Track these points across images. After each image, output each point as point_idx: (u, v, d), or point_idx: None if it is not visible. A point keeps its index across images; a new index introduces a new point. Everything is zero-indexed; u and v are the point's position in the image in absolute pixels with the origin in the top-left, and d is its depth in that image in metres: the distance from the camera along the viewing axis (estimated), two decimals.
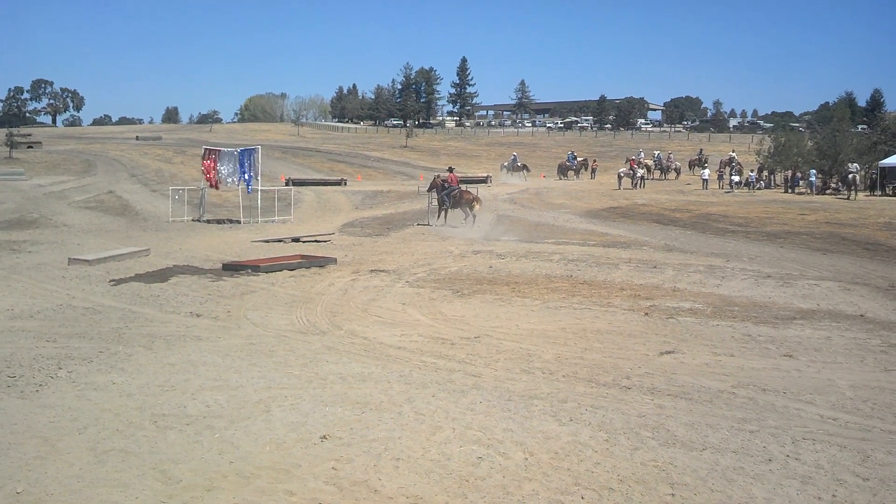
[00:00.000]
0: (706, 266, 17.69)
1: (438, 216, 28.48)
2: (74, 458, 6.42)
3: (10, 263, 17.91)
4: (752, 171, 43.85)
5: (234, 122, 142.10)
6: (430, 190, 29.62)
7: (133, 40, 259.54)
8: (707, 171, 44.46)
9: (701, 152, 55.77)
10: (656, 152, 55.86)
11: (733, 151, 52.08)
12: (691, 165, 53.84)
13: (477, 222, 27.69)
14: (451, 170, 30.96)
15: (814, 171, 41.19)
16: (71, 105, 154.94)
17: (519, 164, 54.03)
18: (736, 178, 43.31)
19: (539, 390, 8.33)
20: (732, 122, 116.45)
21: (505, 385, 8.54)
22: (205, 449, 6.65)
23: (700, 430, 7.15)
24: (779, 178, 44.73)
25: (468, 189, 29.94)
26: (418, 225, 28.17)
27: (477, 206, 28.38)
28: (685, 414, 7.59)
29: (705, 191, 41.71)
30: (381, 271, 17.18)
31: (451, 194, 28.45)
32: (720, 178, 44.89)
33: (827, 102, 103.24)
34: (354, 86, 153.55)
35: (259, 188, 31.51)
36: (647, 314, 12.51)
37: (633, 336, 11.02)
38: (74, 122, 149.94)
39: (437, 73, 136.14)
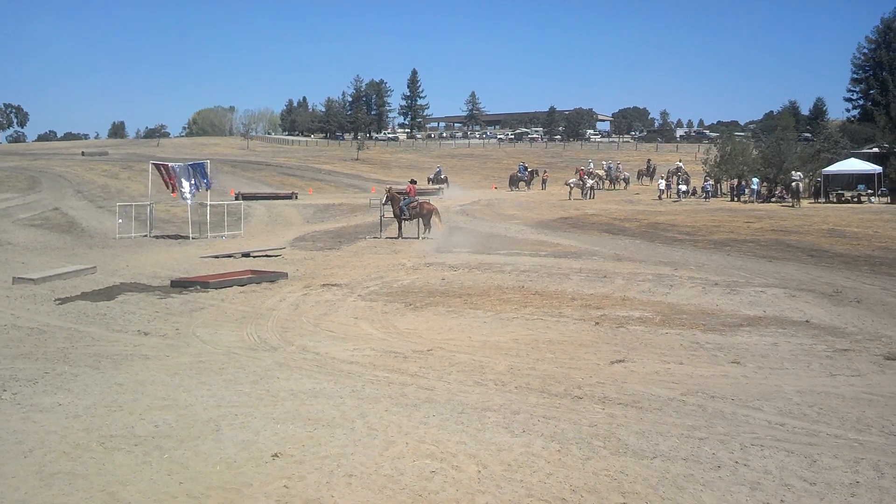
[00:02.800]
0: (655, 275, 17.92)
1: (400, 229, 28.47)
2: (20, 482, 6.26)
3: None
4: (706, 180, 44.54)
5: (183, 137, 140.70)
6: (385, 203, 29.49)
7: (78, 54, 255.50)
8: (664, 181, 44.81)
9: (649, 162, 56.73)
10: (605, 162, 56.54)
11: (680, 161, 52.97)
12: (640, 175, 54.74)
13: (430, 234, 27.74)
14: (413, 182, 31.03)
15: (756, 178, 42.06)
16: (15, 121, 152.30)
17: (442, 176, 54.90)
18: (683, 188, 43.99)
19: (492, 402, 8.35)
20: (679, 132, 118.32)
21: (458, 398, 8.54)
22: (154, 470, 6.53)
23: (650, 438, 7.22)
24: (725, 186, 45.59)
25: (428, 200, 29.99)
26: (371, 238, 28.09)
27: (437, 219, 28.45)
28: (636, 422, 7.67)
29: (660, 201, 42.07)
30: (332, 285, 17.09)
31: (409, 206, 28.46)
32: (668, 187, 45.56)
33: (772, 111, 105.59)
34: (304, 99, 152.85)
35: (208, 203, 31.15)
36: (597, 324, 12.63)
37: (584, 346, 11.11)
38: (18, 139, 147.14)
39: (387, 85, 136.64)
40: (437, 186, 50.71)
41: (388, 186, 32.05)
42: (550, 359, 10.36)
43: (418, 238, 27.46)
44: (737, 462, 6.60)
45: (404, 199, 28.71)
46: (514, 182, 54.22)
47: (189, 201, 30.73)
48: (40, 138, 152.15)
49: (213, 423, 7.72)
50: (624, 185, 52.36)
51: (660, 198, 42.98)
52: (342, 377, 9.48)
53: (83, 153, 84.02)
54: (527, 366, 9.96)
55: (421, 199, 30.14)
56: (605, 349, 10.87)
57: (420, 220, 28.36)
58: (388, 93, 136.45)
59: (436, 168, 58.38)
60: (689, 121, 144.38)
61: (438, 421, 7.73)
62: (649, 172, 54.39)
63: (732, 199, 42.10)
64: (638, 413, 7.97)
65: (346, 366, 10.09)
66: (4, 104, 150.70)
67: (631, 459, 6.67)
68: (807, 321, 12.77)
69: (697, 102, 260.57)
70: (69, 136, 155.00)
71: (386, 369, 9.86)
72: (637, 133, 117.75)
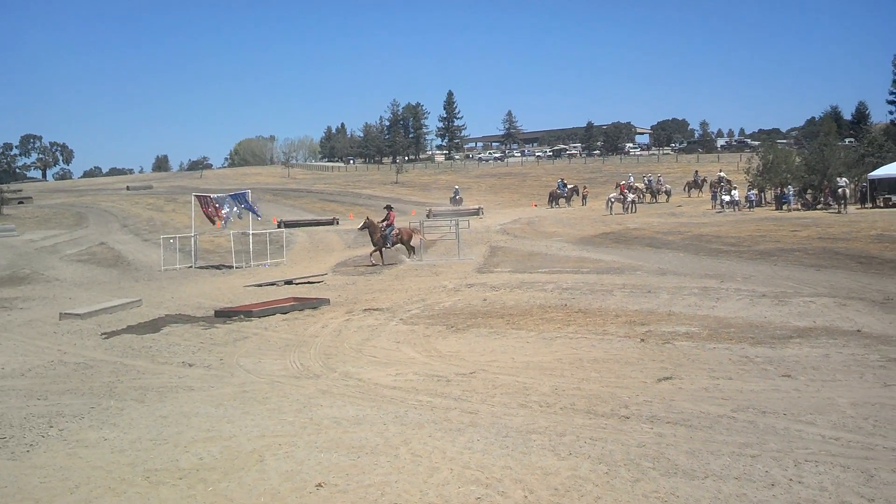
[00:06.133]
0: (700, 288, 17.63)
1: (379, 255, 28.07)
2: None
3: (1, 322, 17.76)
4: (750, 190, 43.73)
5: (225, 167, 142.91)
6: (361, 229, 29.38)
7: (120, 90, 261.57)
8: (736, 192, 43.26)
9: (696, 174, 55.97)
10: (646, 176, 56.09)
11: (721, 171, 52.30)
12: (688, 187, 53.93)
13: (471, 255, 27.70)
14: (389, 208, 30.58)
15: (791, 186, 41.45)
16: (60, 159, 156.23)
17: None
18: (726, 198, 43.34)
19: (537, 424, 8.21)
20: (720, 142, 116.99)
21: (502, 420, 8.41)
22: (198, 503, 6.51)
23: (701, 457, 7.03)
24: (769, 195, 44.85)
25: (405, 227, 29.92)
26: (412, 260, 28.02)
27: (417, 240, 28.68)
28: (685, 441, 7.48)
29: (734, 212, 40.73)
30: (374, 310, 17.08)
31: (391, 233, 28.37)
32: (713, 198, 44.92)
33: (813, 117, 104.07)
34: (343, 125, 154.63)
35: (251, 231, 31.49)
36: (643, 340, 12.42)
37: (629, 363, 10.92)
38: (65, 176, 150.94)
39: (424, 107, 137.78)
40: (476, 206, 50.72)
41: (367, 216, 31.40)
42: (596, 378, 10.19)
43: (405, 261, 27.51)
44: (791, 479, 6.39)
45: (386, 227, 28.45)
46: (553, 199, 53.99)
47: (227, 225, 31.31)
48: (86, 174, 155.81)
49: (257, 453, 7.69)
50: (666, 197, 51.79)
51: (734, 209, 41.72)
52: (385, 403, 9.42)
53: (128, 188, 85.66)
54: (572, 386, 9.81)
55: (399, 225, 29.86)
56: (651, 366, 10.67)
57: (403, 246, 28.57)
58: (425, 115, 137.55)
59: (454, 188, 59.26)
60: (730, 130, 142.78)
61: (483, 445, 7.62)
62: (698, 184, 53.58)
63: (777, 208, 41.38)
64: (687, 432, 7.78)
65: (388, 391, 10.02)
66: (50, 142, 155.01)
67: (681, 480, 6.50)
68: (858, 330, 12.43)
69: (737, 111, 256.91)
70: (114, 172, 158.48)
71: (429, 394, 9.77)
72: (677, 145, 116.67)
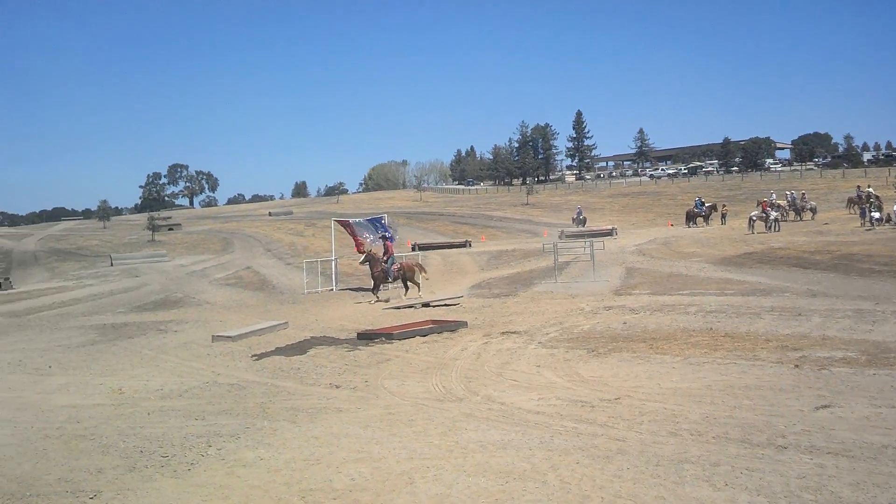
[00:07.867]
0: (854, 310, 16.76)
1: (377, 289, 27.36)
2: None
3: (158, 343, 18.76)
4: None
5: (360, 192, 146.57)
6: (363, 262, 28.27)
7: (261, 119, 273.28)
8: None
9: (859, 189, 53.06)
10: (789, 192, 53.87)
11: (869, 186, 49.49)
12: (850, 203, 51.07)
13: (607, 276, 27.29)
14: (386, 238, 29.62)
15: None
16: (206, 186, 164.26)
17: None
18: (876, 215, 40.97)
19: (689, 453, 7.99)
20: (866, 156, 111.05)
21: (651, 449, 8.23)
22: None
23: (867, 489, 6.67)
24: None
25: (407, 262, 29.04)
26: (547, 282, 27.87)
27: (423, 275, 27.64)
28: (848, 473, 7.12)
29: (885, 230, 38.47)
30: (512, 333, 17.07)
31: (392, 267, 27.60)
32: (861, 215, 42.56)
33: None
34: (472, 148, 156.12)
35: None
36: (797, 366, 11.90)
37: (784, 391, 10.48)
38: (210, 203, 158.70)
39: (552, 128, 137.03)
40: (609, 227, 50.10)
41: (370, 249, 29.48)
42: (748, 406, 9.83)
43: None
44: None
45: (387, 260, 27.60)
46: (691, 218, 52.56)
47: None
48: (230, 201, 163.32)
49: (407, 475, 7.80)
50: (811, 215, 49.47)
51: (868, 225, 39.14)
52: (529, 428, 9.38)
53: (270, 213, 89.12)
54: (723, 414, 9.49)
55: (402, 260, 29.08)
56: (807, 394, 10.21)
57: (408, 280, 27.37)
58: (554, 136, 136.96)
59: (577, 209, 59.41)
60: (876, 143, 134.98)
61: (633, 474, 7.47)
62: (861, 200, 50.56)
63: None
64: (850, 463, 7.40)
65: (532, 416, 9.98)
66: (196, 171, 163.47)
67: None
68: None
69: (884, 123, 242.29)
70: (256, 198, 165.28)
71: (573, 419, 9.67)
72: (820, 159, 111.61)
